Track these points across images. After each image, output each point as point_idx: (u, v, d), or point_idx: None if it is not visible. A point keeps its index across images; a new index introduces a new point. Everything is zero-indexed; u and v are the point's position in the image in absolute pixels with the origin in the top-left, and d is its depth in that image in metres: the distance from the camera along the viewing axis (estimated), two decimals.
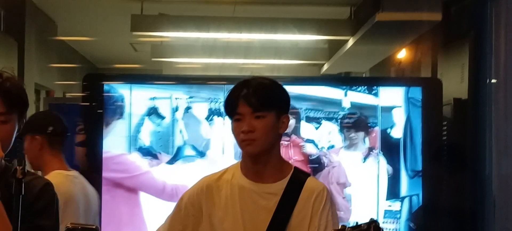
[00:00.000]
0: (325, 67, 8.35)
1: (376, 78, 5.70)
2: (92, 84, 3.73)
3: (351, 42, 6.31)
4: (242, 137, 2.30)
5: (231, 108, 2.33)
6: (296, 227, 2.29)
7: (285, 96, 2.37)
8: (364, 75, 8.02)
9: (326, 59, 8.16)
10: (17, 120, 2.10)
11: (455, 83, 4.12)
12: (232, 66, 8.14)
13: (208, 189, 2.43)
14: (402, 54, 6.38)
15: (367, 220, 1.98)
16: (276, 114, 2.31)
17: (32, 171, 2.28)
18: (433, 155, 3.77)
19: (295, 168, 2.40)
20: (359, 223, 1.99)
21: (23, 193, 1.74)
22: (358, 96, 3.76)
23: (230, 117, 2.34)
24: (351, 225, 2.00)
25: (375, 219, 1.97)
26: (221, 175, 2.45)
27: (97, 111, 3.68)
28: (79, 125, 3.89)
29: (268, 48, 7.81)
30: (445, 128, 3.83)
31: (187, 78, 4.22)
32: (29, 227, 1.96)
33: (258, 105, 2.28)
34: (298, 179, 2.36)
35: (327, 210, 2.30)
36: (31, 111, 5.54)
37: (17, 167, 1.79)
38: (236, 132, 2.33)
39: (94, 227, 1.62)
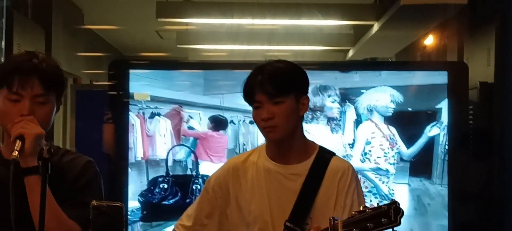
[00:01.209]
0: (350, 53, 8.31)
1: (401, 63, 5.65)
2: (118, 71, 3.74)
3: (376, 27, 6.28)
4: (263, 124, 2.31)
5: (249, 96, 2.33)
6: (321, 207, 2.29)
7: (303, 77, 2.36)
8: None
9: (351, 45, 8.13)
10: (55, 100, 2.13)
11: (481, 67, 4.08)
12: (257, 52, 8.14)
13: (234, 171, 2.45)
14: (428, 38, 6.33)
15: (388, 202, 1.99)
16: (295, 97, 2.30)
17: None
18: (459, 140, 3.74)
19: (320, 147, 2.40)
20: (380, 204, 1.99)
21: (49, 173, 1.75)
22: None
23: (250, 104, 2.35)
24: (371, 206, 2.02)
25: (396, 200, 1.98)
26: (247, 157, 2.46)
27: (124, 100, 3.70)
28: (106, 113, 3.92)
29: (292, 34, 7.79)
30: (471, 112, 3.80)
31: (212, 64, 4.22)
32: (73, 204, 2.03)
33: (275, 92, 2.27)
34: (323, 158, 2.35)
35: (353, 189, 2.30)
36: None
37: (43, 147, 1.82)
38: (256, 119, 2.34)
39: (119, 204, 1.64)
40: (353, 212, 2.02)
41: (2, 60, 4.34)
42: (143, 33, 8.76)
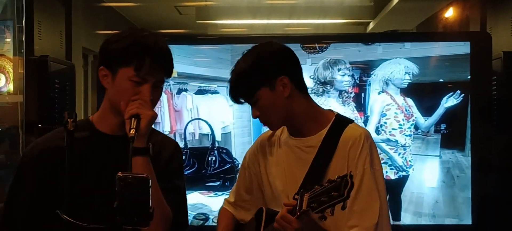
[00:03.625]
0: (371, 25, 8.24)
1: (424, 34, 5.60)
2: None
3: None
4: (259, 121, 2.34)
5: (234, 102, 2.37)
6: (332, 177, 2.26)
7: (266, 64, 2.27)
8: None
9: (371, 17, 8.06)
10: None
11: (504, 37, 4.03)
12: (277, 26, 8.09)
13: (262, 147, 2.47)
14: (449, 9, 6.26)
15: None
16: (266, 87, 2.25)
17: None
18: (483, 111, 3.71)
19: (337, 116, 2.34)
20: (338, 177, 1.97)
21: (73, 145, 1.75)
22: None
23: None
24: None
25: (348, 173, 1.95)
26: (273, 132, 2.46)
27: None
28: None
29: (312, 8, 7.73)
30: (495, 82, 3.75)
31: (232, 39, 4.21)
32: (168, 188, 2.06)
33: (240, 99, 2.29)
34: (337, 128, 2.29)
35: (364, 158, 2.22)
36: (78, 75, 5.66)
37: (68, 120, 1.81)
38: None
39: (144, 175, 1.63)
40: (316, 185, 2.00)
41: (23, 39, 4.35)
42: (162, 9, 8.73)
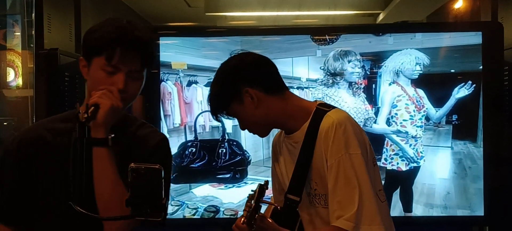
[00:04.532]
0: (381, 16, 8.21)
1: (435, 24, 5.56)
2: None
3: None
4: None
5: None
6: (318, 169, 2.24)
7: (226, 81, 2.31)
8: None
9: (381, 8, 8.02)
10: (145, 75, 2.11)
11: None
12: (286, 18, 8.07)
13: (274, 147, 2.52)
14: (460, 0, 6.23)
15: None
16: (236, 102, 2.28)
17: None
18: (494, 101, 3.69)
19: (317, 107, 2.30)
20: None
21: (87, 136, 1.74)
22: None
23: None
24: None
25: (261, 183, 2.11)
26: (281, 132, 2.48)
27: (151, 71, 3.70)
28: None
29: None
30: (507, 73, 3.73)
31: (242, 30, 4.20)
32: None
33: (220, 117, 2.35)
34: (316, 119, 2.25)
35: (337, 146, 2.16)
36: None
37: (80, 111, 1.80)
38: None
39: (157, 166, 1.62)
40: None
41: (33, 32, 4.35)
42: (171, 1, 8.72)
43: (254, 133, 2.36)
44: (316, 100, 2.37)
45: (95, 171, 1.93)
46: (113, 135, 1.95)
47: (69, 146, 2.01)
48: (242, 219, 2.10)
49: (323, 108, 2.29)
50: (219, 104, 2.32)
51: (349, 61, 3.71)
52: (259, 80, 2.29)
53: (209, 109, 2.37)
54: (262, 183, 2.18)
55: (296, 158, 2.29)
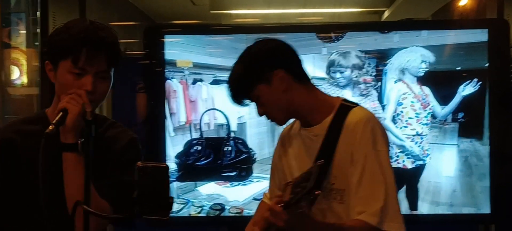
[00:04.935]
0: (386, 14, 8.21)
1: (441, 22, 5.56)
2: (153, 37, 3.76)
3: None
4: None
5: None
6: (340, 164, 2.22)
7: (259, 60, 2.28)
8: None
9: (386, 6, 8.02)
10: (112, 74, 2.09)
11: None
12: (291, 15, 8.07)
13: (282, 141, 2.47)
14: None
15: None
16: (263, 84, 2.25)
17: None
18: (501, 98, 3.67)
19: (342, 102, 2.30)
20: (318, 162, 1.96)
21: (93, 135, 1.74)
22: None
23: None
24: None
25: (316, 164, 1.95)
26: (292, 126, 2.46)
27: (156, 69, 3.72)
28: (139, 83, 3.94)
29: None
30: None
31: (246, 28, 4.20)
32: (114, 182, 2.00)
33: (241, 100, 2.29)
34: (341, 114, 2.25)
35: (365, 141, 2.17)
36: None
37: (86, 110, 1.80)
38: None
39: (164, 165, 1.62)
40: (299, 174, 2.00)
41: (38, 30, 4.36)
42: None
43: (272, 119, 2.31)
44: (338, 97, 2.37)
45: (65, 175, 1.94)
46: (82, 139, 1.93)
47: (37, 149, 2.02)
48: (285, 200, 2.01)
49: (348, 104, 2.31)
50: (245, 84, 2.26)
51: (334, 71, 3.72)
52: (292, 65, 2.29)
53: (230, 91, 2.32)
54: (319, 163, 2.03)
55: (314, 151, 2.26)
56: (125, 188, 2.03)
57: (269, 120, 2.34)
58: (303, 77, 2.32)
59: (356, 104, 2.31)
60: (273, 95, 2.25)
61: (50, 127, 1.83)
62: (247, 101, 2.32)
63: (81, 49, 1.97)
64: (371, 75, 3.72)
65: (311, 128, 2.31)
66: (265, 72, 2.25)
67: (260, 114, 2.31)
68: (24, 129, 2.16)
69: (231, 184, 3.79)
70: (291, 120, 2.43)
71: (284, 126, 2.48)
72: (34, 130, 2.11)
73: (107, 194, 1.98)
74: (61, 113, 1.90)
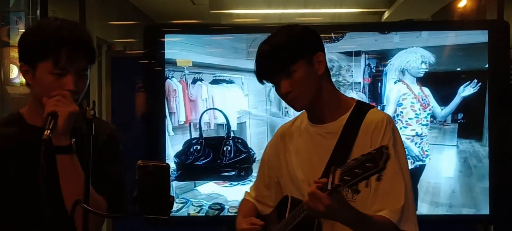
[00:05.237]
0: (386, 15, 8.20)
1: (442, 22, 5.56)
2: (154, 36, 3.76)
3: None
4: (285, 99, 2.26)
5: (260, 79, 2.27)
6: None
7: (307, 37, 2.25)
8: None
9: (386, 6, 8.01)
10: (89, 72, 2.10)
11: None
12: (292, 15, 8.06)
13: (282, 138, 2.43)
14: None
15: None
16: (306, 60, 2.20)
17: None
18: (500, 99, 3.67)
19: (358, 102, 2.31)
20: (373, 150, 1.88)
21: (93, 134, 1.74)
22: None
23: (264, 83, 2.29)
24: None
25: (384, 145, 1.87)
26: (293, 122, 2.43)
27: (156, 68, 3.72)
28: (138, 82, 3.94)
29: None
30: None
31: (246, 28, 4.19)
32: (100, 176, 1.99)
33: (280, 69, 2.19)
34: (358, 113, 2.25)
35: (387, 140, 2.17)
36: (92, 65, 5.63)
37: (87, 108, 1.80)
38: (278, 95, 2.28)
39: (165, 164, 1.62)
40: (348, 160, 1.93)
41: None
42: None
43: (294, 101, 2.24)
44: (352, 98, 2.36)
45: (62, 177, 1.94)
46: (74, 140, 1.94)
47: (15, 152, 2.01)
48: (328, 188, 1.95)
49: (364, 104, 2.33)
50: (287, 56, 2.18)
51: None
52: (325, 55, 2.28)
53: (265, 60, 2.23)
54: (383, 147, 1.91)
55: (326, 148, 2.25)
56: (113, 180, 2.09)
57: (287, 102, 2.27)
58: (328, 72, 2.31)
59: (373, 106, 2.33)
60: (309, 76, 2.20)
61: (46, 133, 1.83)
62: (267, 81, 2.25)
63: (61, 49, 1.97)
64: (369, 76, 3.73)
65: (324, 125, 2.29)
66: (309, 50, 2.22)
67: (284, 91, 2.22)
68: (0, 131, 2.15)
69: (230, 184, 3.79)
70: (292, 116, 2.41)
71: (282, 124, 2.48)
72: (9, 132, 2.11)
73: (100, 189, 1.99)
74: (50, 118, 1.89)
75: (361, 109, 2.27)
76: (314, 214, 2.04)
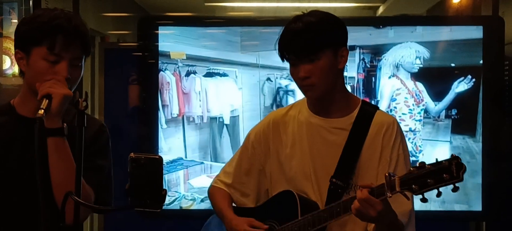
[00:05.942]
0: (381, 9, 8.20)
1: (436, 18, 5.55)
2: (148, 28, 3.75)
3: None
4: (300, 83, 2.25)
5: (283, 54, 2.25)
6: (366, 161, 2.25)
7: (339, 29, 2.26)
8: None
9: (381, 1, 8.01)
10: (83, 63, 2.10)
11: None
12: (286, 9, 8.04)
13: (274, 126, 2.40)
14: None
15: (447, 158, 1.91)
16: (332, 51, 2.21)
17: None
18: (494, 96, 3.67)
19: (363, 101, 2.34)
20: (439, 160, 1.92)
21: (86, 125, 1.73)
22: None
23: (284, 60, 2.27)
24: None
25: (457, 155, 1.90)
26: (287, 111, 2.41)
27: (150, 61, 3.71)
28: (132, 74, 3.92)
29: None
30: (507, 68, 3.71)
31: (240, 21, 4.17)
32: (89, 167, 1.97)
33: (308, 50, 2.18)
34: (366, 112, 2.29)
35: (398, 144, 2.25)
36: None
37: (79, 99, 1.79)
38: (293, 76, 2.27)
39: (157, 157, 1.61)
40: (411, 168, 1.95)
41: None
42: None
43: (311, 88, 2.23)
44: (356, 96, 2.43)
45: (51, 161, 1.94)
46: (65, 124, 1.95)
47: (6, 140, 2.01)
48: (386, 194, 1.99)
49: (369, 103, 2.39)
50: (320, 39, 2.18)
51: None
52: None
53: (293, 39, 2.20)
54: (456, 158, 1.93)
55: (335, 144, 2.27)
56: (101, 172, 2.11)
57: (300, 85, 2.26)
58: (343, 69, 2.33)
59: (377, 106, 2.37)
60: (331, 67, 2.21)
61: (40, 112, 1.84)
62: (287, 59, 2.24)
63: (57, 35, 1.99)
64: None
65: (331, 119, 2.30)
66: (338, 42, 2.24)
67: (302, 76, 2.21)
68: None
69: None
70: (285, 105, 2.40)
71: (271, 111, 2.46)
72: (2, 121, 2.11)
73: (89, 179, 1.99)
74: (45, 99, 1.89)
75: (367, 108, 2.31)
76: (363, 218, 2.07)
